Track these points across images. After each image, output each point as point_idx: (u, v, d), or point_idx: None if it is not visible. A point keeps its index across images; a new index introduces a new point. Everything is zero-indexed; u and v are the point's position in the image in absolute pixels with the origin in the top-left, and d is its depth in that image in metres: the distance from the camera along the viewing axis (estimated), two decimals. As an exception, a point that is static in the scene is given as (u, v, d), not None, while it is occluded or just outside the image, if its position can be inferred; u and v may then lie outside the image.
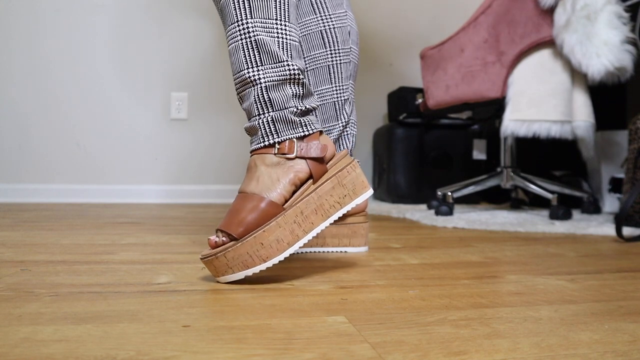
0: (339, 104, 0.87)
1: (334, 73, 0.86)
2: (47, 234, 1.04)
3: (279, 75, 0.66)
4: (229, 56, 0.68)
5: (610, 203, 1.71)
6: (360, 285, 0.61)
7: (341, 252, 0.87)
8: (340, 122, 0.86)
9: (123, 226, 1.21)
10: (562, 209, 1.44)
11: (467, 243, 0.99)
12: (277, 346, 0.39)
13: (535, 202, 2.02)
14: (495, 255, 0.85)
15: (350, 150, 0.89)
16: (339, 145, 0.88)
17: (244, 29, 0.66)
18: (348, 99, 0.88)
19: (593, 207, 1.62)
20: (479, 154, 2.21)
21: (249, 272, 0.60)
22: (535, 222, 1.37)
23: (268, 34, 0.66)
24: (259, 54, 0.65)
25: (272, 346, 0.39)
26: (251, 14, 0.66)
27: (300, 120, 0.66)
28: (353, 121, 0.91)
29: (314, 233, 0.63)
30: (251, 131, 0.67)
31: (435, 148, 2.19)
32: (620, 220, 1.03)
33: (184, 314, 0.48)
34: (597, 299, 0.56)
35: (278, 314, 0.48)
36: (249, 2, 0.66)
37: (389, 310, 0.50)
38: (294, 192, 0.64)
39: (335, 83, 0.87)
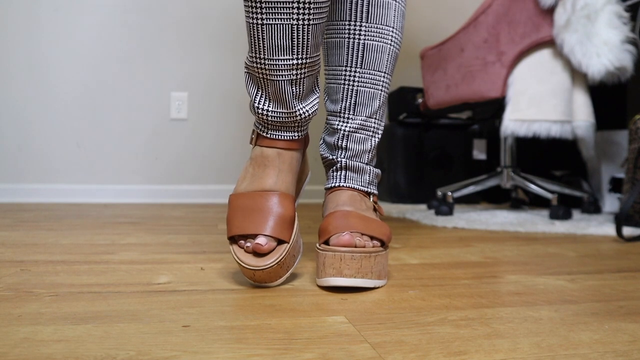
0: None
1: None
2: (47, 234, 1.04)
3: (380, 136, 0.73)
4: (352, 95, 0.71)
5: (610, 203, 1.71)
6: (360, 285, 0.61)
7: None
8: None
9: (123, 226, 1.21)
10: (562, 209, 1.44)
11: (467, 243, 0.99)
12: (277, 346, 0.39)
13: (535, 202, 2.02)
14: (495, 255, 0.85)
15: None
16: None
17: (387, 84, 0.73)
18: None
19: (593, 207, 1.62)
20: (479, 154, 2.21)
21: (379, 283, 0.60)
22: (535, 222, 1.36)
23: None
24: (385, 109, 0.74)
25: (272, 346, 0.39)
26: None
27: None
28: None
29: None
30: (351, 169, 0.70)
31: (435, 148, 2.19)
32: (621, 220, 1.03)
33: (184, 314, 0.48)
34: (597, 299, 0.56)
35: (278, 314, 0.48)
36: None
37: (389, 310, 0.50)
38: None
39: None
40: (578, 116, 1.49)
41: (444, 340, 0.41)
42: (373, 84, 0.70)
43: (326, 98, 0.73)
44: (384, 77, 0.71)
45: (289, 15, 0.59)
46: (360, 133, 0.70)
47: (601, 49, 1.38)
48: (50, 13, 2.14)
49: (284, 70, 0.61)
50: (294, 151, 0.66)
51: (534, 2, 1.47)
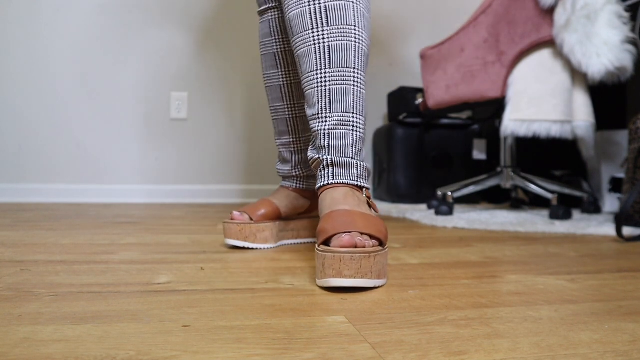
0: None
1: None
2: (47, 234, 1.04)
3: (364, 130, 0.75)
4: (339, 94, 0.74)
5: (610, 203, 1.71)
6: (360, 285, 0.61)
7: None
8: None
9: (123, 226, 1.21)
10: (562, 209, 1.44)
11: (467, 243, 0.99)
12: (277, 346, 0.39)
13: (535, 202, 2.02)
14: (495, 255, 0.85)
15: None
16: None
17: (359, 79, 0.74)
18: None
19: (593, 207, 1.62)
20: (479, 154, 2.21)
21: (379, 283, 0.59)
22: (535, 222, 1.36)
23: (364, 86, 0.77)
24: (363, 104, 0.75)
25: (272, 346, 0.39)
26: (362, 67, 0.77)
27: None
28: None
29: None
30: (337, 165, 0.71)
31: (435, 148, 2.19)
32: (621, 220, 1.03)
33: (184, 314, 0.48)
34: (597, 299, 0.56)
35: (278, 314, 0.48)
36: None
37: (389, 310, 0.50)
38: None
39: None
40: (578, 116, 1.49)
41: (444, 340, 0.41)
42: (343, 80, 0.72)
43: (307, 106, 0.75)
44: (354, 72, 0.73)
45: (283, 112, 0.95)
46: (340, 129, 0.71)
47: (601, 49, 1.38)
48: (50, 13, 2.14)
49: (287, 144, 0.96)
50: (291, 191, 0.94)
51: (534, 2, 1.47)
